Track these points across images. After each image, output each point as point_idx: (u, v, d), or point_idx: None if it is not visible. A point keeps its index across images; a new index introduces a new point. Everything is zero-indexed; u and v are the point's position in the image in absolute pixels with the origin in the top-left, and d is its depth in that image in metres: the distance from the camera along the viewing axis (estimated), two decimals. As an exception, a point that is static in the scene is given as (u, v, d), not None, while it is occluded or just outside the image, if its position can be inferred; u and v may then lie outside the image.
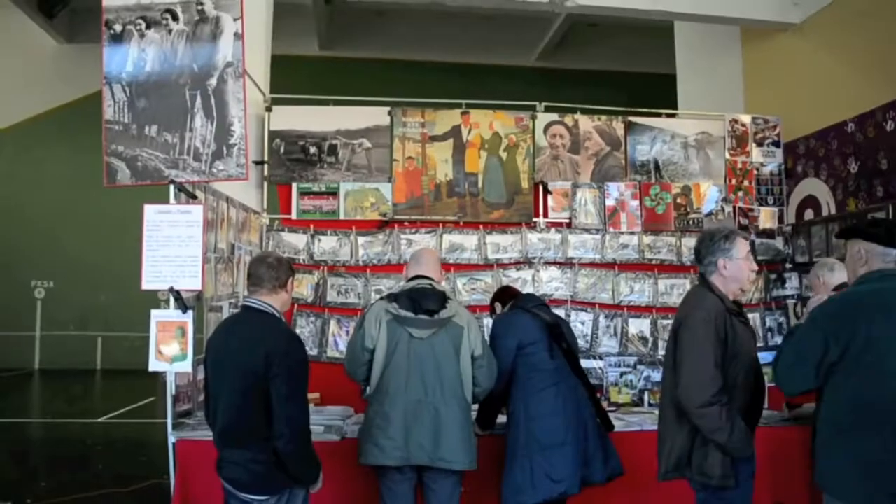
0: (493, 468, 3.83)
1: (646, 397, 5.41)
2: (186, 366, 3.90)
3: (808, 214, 6.63)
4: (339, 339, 5.68)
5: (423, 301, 3.57)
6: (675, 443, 3.09)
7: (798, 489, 4.22)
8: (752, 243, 6.03)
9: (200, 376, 4.35)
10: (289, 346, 3.01)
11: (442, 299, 3.62)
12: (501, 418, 3.98)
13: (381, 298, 3.71)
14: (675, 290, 6.01)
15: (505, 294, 4.22)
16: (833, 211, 6.28)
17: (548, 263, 5.90)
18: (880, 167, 5.82)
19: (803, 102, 6.83)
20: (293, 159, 5.77)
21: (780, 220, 6.29)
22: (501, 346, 3.75)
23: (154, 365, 3.87)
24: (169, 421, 3.93)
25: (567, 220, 5.98)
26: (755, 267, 3.24)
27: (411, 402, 3.46)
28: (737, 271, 3.15)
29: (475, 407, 3.83)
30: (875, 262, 2.84)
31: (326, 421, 4.11)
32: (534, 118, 6.01)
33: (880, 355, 2.58)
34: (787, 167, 6.44)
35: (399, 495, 3.53)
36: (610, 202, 6.00)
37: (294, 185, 5.77)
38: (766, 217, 6.18)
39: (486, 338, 3.84)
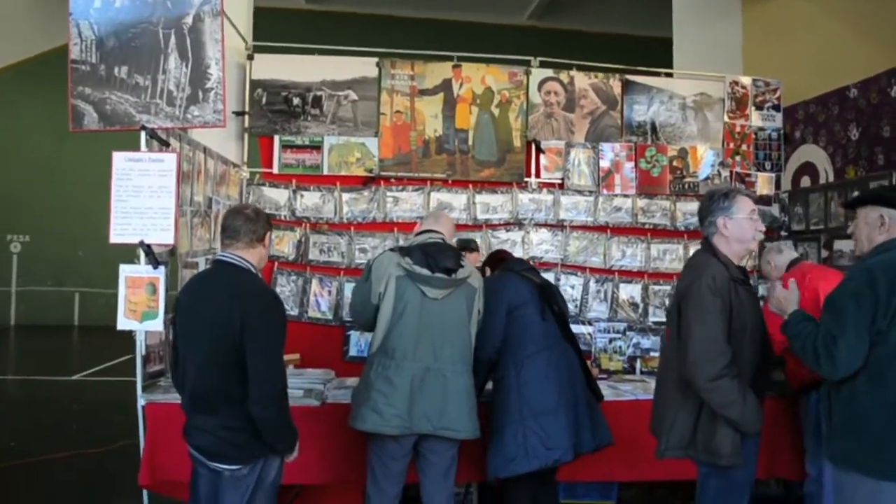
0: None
1: (637, 365, 5.28)
2: (157, 324, 3.68)
3: (805, 182, 6.46)
4: (320, 300, 5.50)
5: (440, 258, 3.28)
6: (678, 419, 2.91)
7: (784, 461, 4.10)
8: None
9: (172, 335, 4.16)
10: (266, 304, 2.79)
11: (458, 256, 3.37)
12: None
13: (391, 250, 3.41)
14: (668, 255, 5.86)
15: (496, 258, 4.03)
16: (831, 179, 6.12)
17: (538, 225, 5.72)
18: (882, 134, 5.65)
19: (804, 66, 6.62)
20: (275, 111, 5.51)
21: (777, 186, 6.13)
22: (491, 309, 3.54)
23: (123, 323, 3.65)
24: (139, 382, 3.73)
25: (559, 181, 5.78)
26: (762, 227, 3.03)
27: (419, 370, 3.23)
28: (738, 230, 2.95)
29: None
30: (895, 229, 2.71)
31: (306, 384, 3.91)
32: (528, 73, 5.77)
33: None
34: (784, 133, 6.25)
35: (393, 471, 3.32)
36: (604, 163, 5.80)
37: (276, 138, 5.52)
38: (763, 183, 6.02)
39: None
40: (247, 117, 5.46)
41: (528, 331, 3.56)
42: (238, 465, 2.77)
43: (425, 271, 3.26)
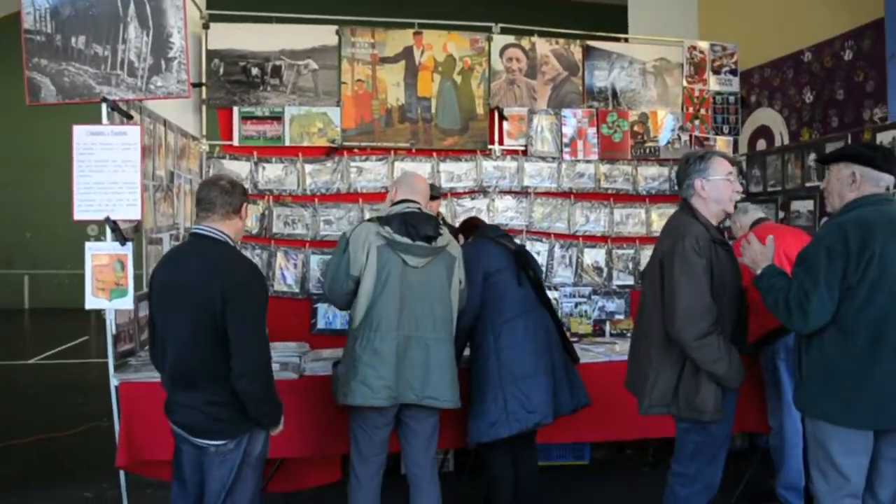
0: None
1: (607, 328, 5.35)
2: (127, 302, 3.60)
3: (761, 145, 6.59)
4: (286, 273, 5.43)
5: (420, 226, 3.24)
6: (661, 376, 2.98)
7: (750, 416, 4.22)
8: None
9: (142, 313, 4.08)
10: (248, 276, 2.75)
11: (437, 225, 3.33)
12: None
13: (369, 220, 3.34)
14: (631, 220, 5.93)
15: (469, 225, 4.03)
16: (786, 141, 6.24)
17: (503, 192, 5.72)
18: (836, 97, 5.77)
19: (759, 31, 6.71)
20: (234, 81, 5.38)
21: (735, 149, 6.22)
22: (469, 277, 3.55)
23: (91, 302, 3.56)
24: (110, 362, 3.65)
25: (523, 148, 5.78)
26: (738, 188, 3.11)
27: (402, 338, 3.20)
28: (715, 191, 3.02)
29: None
30: (867, 187, 2.82)
31: (282, 358, 3.88)
32: (490, 40, 5.72)
33: (894, 278, 2.58)
34: (741, 97, 6.34)
35: (376, 441, 3.31)
36: (567, 129, 5.81)
37: (235, 110, 5.39)
38: (721, 146, 6.08)
39: None
40: (204, 89, 5.32)
41: (505, 297, 3.58)
42: (224, 441, 2.75)
43: (406, 240, 3.21)
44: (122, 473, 3.75)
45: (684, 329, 2.84)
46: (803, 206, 5.68)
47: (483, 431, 3.47)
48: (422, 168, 5.57)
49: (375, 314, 3.20)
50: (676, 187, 5.72)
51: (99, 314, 14.24)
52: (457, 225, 5.41)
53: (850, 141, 5.31)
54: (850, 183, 2.82)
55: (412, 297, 3.23)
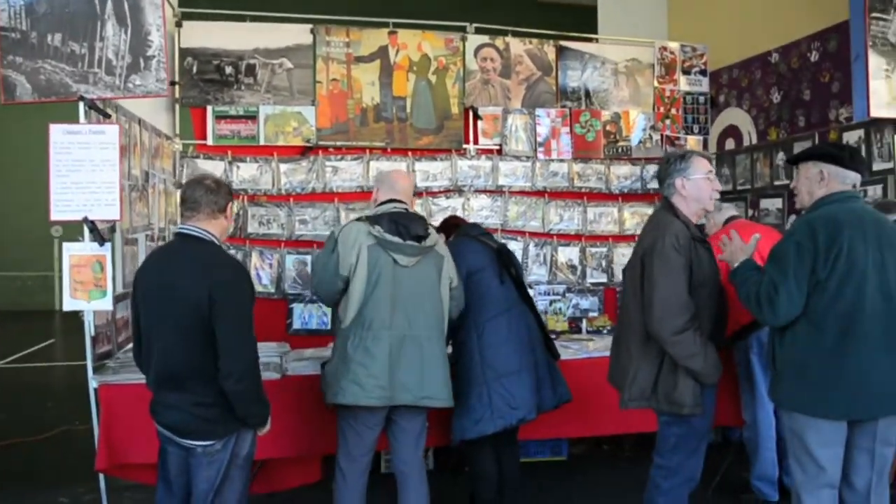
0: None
1: (583, 325, 5.41)
2: (106, 303, 3.56)
3: (730, 144, 6.72)
4: (261, 273, 5.40)
5: (410, 226, 3.26)
6: (640, 371, 3.04)
7: (726, 410, 4.30)
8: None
9: (119, 314, 4.04)
10: (235, 276, 2.75)
11: (425, 224, 3.36)
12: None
13: (358, 220, 3.33)
14: (604, 218, 6.00)
15: (450, 224, 4.05)
16: (754, 141, 6.37)
17: (478, 191, 5.75)
18: (803, 98, 5.91)
19: (727, 32, 6.83)
20: (207, 80, 5.34)
21: (705, 148, 6.32)
22: None
23: (70, 304, 3.52)
24: (89, 364, 3.60)
25: (497, 147, 5.82)
26: (718, 186, 3.18)
27: (396, 338, 3.20)
28: (696, 190, 3.09)
29: None
30: (834, 184, 2.89)
31: (263, 358, 3.82)
32: (464, 40, 5.75)
33: (861, 273, 2.64)
34: (711, 97, 6.45)
35: (365, 440, 3.32)
36: (541, 129, 5.87)
37: (209, 109, 5.34)
38: (692, 145, 6.18)
39: None
40: (177, 87, 5.27)
41: (487, 295, 3.61)
42: (211, 441, 2.74)
43: (397, 239, 3.22)
44: (101, 477, 3.69)
45: (662, 324, 2.90)
46: (772, 204, 5.80)
47: (468, 428, 3.50)
48: (397, 167, 5.56)
49: (367, 313, 3.20)
50: (649, 186, 5.93)
51: (64, 316, 14.03)
52: (434, 224, 5.47)
53: (816, 140, 5.43)
54: (818, 181, 2.91)
55: (404, 296, 3.23)
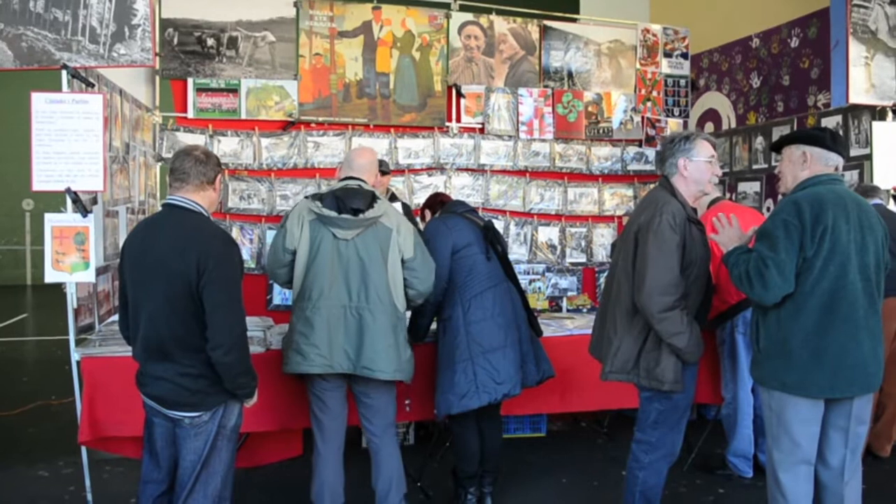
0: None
1: (564, 304, 5.46)
2: (89, 276, 3.52)
3: (709, 127, 6.79)
4: (242, 248, 5.35)
5: (349, 200, 3.30)
6: (623, 344, 3.10)
7: (704, 388, 4.38)
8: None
9: (100, 287, 4.01)
10: (224, 247, 2.72)
11: (370, 199, 3.34)
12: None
13: (307, 197, 3.41)
14: (584, 198, 6.04)
15: (435, 200, 4.06)
16: (733, 124, 6.45)
17: (460, 170, 5.77)
18: (782, 83, 5.98)
19: (708, 15, 6.89)
20: (188, 52, 5.27)
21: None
22: (436, 250, 3.57)
23: (52, 276, 3.47)
24: (71, 337, 3.57)
25: (480, 126, 5.82)
26: (718, 171, 3.22)
27: (335, 308, 3.25)
28: (698, 172, 3.13)
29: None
30: (816, 166, 2.93)
31: (248, 332, 3.84)
32: (448, 17, 5.73)
33: (844, 253, 2.70)
34: (691, 80, 6.50)
35: (329, 406, 3.38)
36: (523, 108, 5.88)
37: (190, 81, 5.28)
38: (672, 128, 6.24)
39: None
40: (157, 59, 5.18)
41: (473, 271, 3.63)
42: (198, 412, 2.73)
43: (332, 213, 3.27)
44: (83, 449, 3.67)
45: (651, 300, 2.94)
46: (750, 187, 5.88)
47: (454, 403, 3.53)
48: (379, 144, 5.56)
49: (308, 285, 3.29)
50: (629, 168, 5.97)
51: (36, 290, 13.82)
52: (415, 201, 5.47)
53: (795, 125, 5.51)
54: (801, 163, 2.96)
55: (344, 269, 3.28)
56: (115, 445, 3.69)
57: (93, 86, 3.58)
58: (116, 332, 3.03)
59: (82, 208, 3.45)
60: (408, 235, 3.41)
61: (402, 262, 3.37)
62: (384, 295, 3.33)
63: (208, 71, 5.30)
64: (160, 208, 2.90)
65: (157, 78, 5.25)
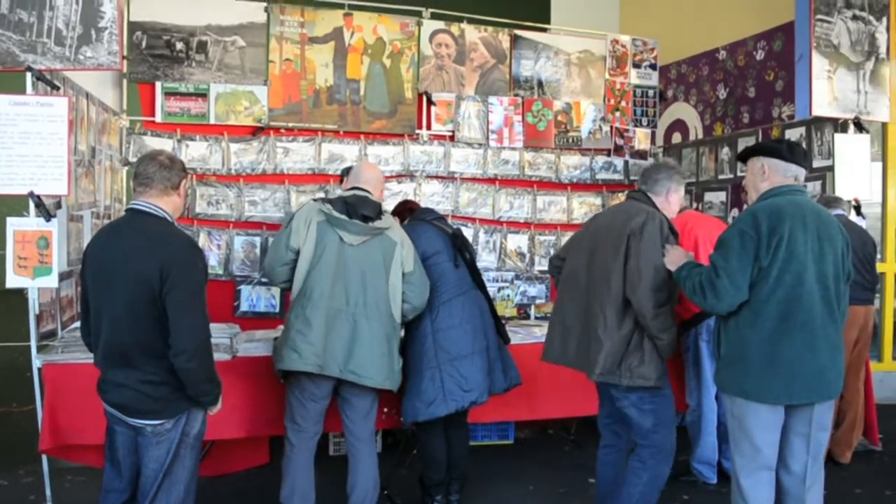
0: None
1: (532, 311, 5.48)
2: (52, 281, 3.47)
3: (676, 138, 6.88)
4: (209, 254, 5.32)
5: (359, 206, 3.37)
6: (613, 345, 3.17)
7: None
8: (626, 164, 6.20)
9: (63, 293, 3.95)
10: (188, 252, 2.70)
11: (378, 210, 3.44)
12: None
13: (315, 200, 3.48)
14: (553, 207, 6.08)
15: (404, 208, 4.07)
16: (700, 135, 6.53)
17: (430, 177, 5.77)
18: (748, 94, 6.08)
19: (677, 27, 6.98)
20: (157, 55, 5.21)
21: (652, 141, 6.45)
22: None
23: (13, 280, 3.42)
24: (33, 344, 3.52)
25: (450, 134, 5.84)
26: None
27: (332, 310, 3.28)
28: (675, 203, 3.47)
29: None
30: (776, 177, 3.00)
31: (214, 339, 3.78)
32: (419, 25, 5.74)
33: (800, 262, 2.75)
34: (659, 91, 6.57)
35: (311, 413, 3.37)
36: (493, 117, 5.91)
37: (158, 85, 5.22)
38: (641, 138, 6.30)
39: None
40: (125, 62, 5.13)
41: (442, 278, 3.64)
42: (161, 420, 2.70)
43: (343, 217, 3.33)
44: (44, 458, 3.61)
45: (649, 296, 3.10)
46: (716, 197, 5.96)
47: (421, 410, 3.53)
48: (349, 150, 5.56)
49: (309, 285, 3.30)
50: (598, 177, 6.02)
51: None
52: (385, 208, 5.46)
53: (760, 137, 5.60)
54: (761, 175, 3.04)
55: (346, 273, 3.32)
56: (76, 454, 3.64)
57: (58, 88, 3.54)
58: (79, 338, 2.99)
59: (45, 212, 3.41)
60: (410, 250, 3.51)
61: (403, 275, 3.44)
62: (382, 304, 3.38)
63: (177, 75, 5.25)
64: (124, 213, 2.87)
65: (125, 81, 5.20)
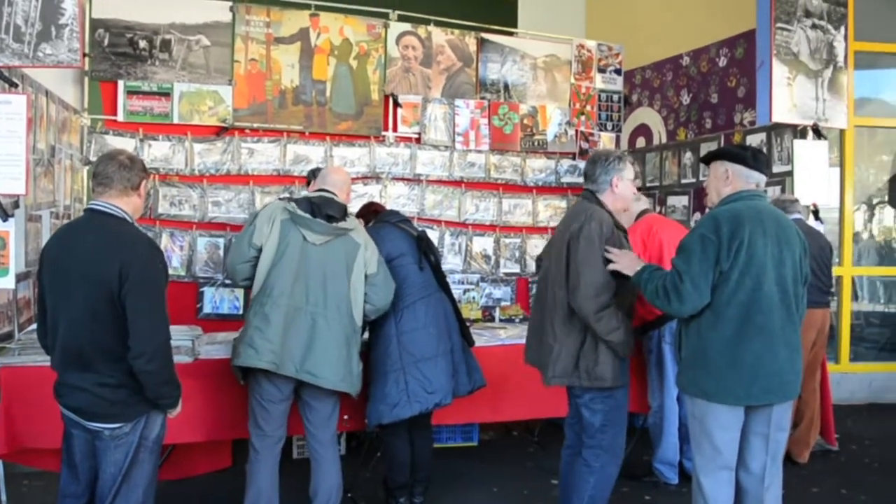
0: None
1: (496, 313, 5.50)
2: (9, 282, 3.40)
3: (640, 142, 6.96)
4: (171, 255, 5.25)
5: (324, 206, 3.38)
6: (563, 349, 3.18)
7: (632, 397, 4.46)
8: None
9: (21, 294, 3.87)
10: (148, 253, 2.67)
11: (343, 211, 3.43)
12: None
13: (281, 198, 3.47)
14: (518, 209, 6.11)
15: (368, 210, 4.07)
16: (664, 140, 6.61)
17: (396, 179, 5.76)
18: (710, 100, 6.17)
19: (642, 33, 7.06)
20: (119, 53, 5.14)
21: (617, 145, 6.51)
22: None
23: (-32, 281, 3.34)
24: (-11, 345, 3.44)
25: (416, 136, 5.84)
26: (636, 190, 3.49)
27: (292, 308, 3.27)
28: (625, 191, 3.33)
29: None
30: (738, 183, 3.05)
31: (175, 342, 3.73)
32: (386, 27, 5.74)
33: (760, 265, 2.79)
34: (624, 95, 6.64)
35: (273, 416, 3.34)
36: (460, 119, 5.92)
37: (120, 83, 5.14)
38: (605, 142, 6.36)
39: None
40: (87, 59, 5.05)
41: (406, 281, 3.65)
42: (119, 424, 2.66)
43: (307, 215, 3.33)
44: (0, 462, 3.53)
45: (588, 301, 3.08)
46: (679, 201, 6.04)
47: (385, 413, 3.53)
48: (315, 152, 5.53)
49: (270, 282, 3.29)
50: (563, 180, 6.07)
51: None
52: (350, 210, 5.44)
53: (722, 142, 5.69)
54: (724, 179, 3.08)
55: (307, 272, 3.31)
56: (33, 458, 3.56)
57: (16, 86, 3.47)
58: (36, 340, 2.94)
59: (2, 212, 3.34)
60: (374, 253, 3.50)
61: (365, 276, 3.43)
62: (343, 305, 3.37)
63: (140, 73, 5.19)
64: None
65: (87, 79, 5.11)
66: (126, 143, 5.11)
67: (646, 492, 4.29)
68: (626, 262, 3.15)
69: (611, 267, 3.15)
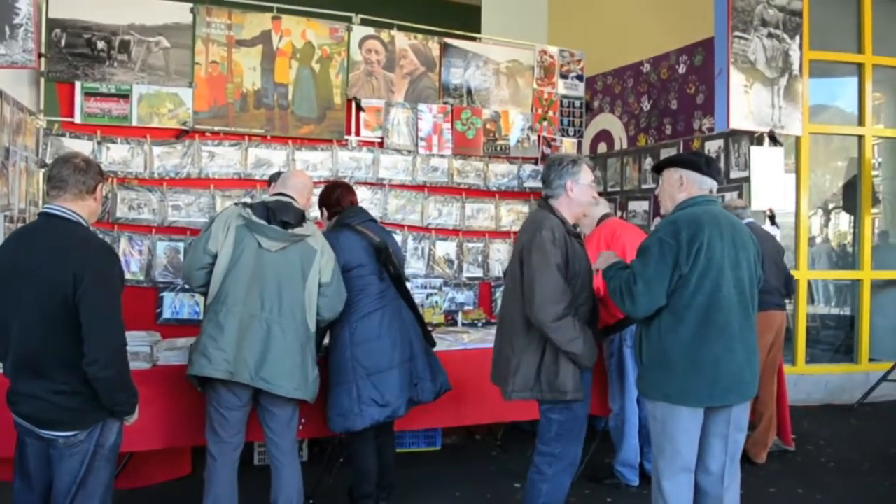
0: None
1: (459, 318, 5.51)
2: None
3: (602, 148, 7.02)
4: (130, 259, 5.18)
5: (280, 212, 3.32)
6: (522, 362, 3.16)
7: (594, 400, 4.50)
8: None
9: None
10: (103, 257, 2.62)
11: (300, 217, 3.38)
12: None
13: (236, 204, 3.40)
14: (481, 214, 6.14)
15: (331, 197, 3.89)
16: (625, 145, 6.69)
17: (358, 183, 5.73)
18: (670, 107, 6.26)
19: (603, 40, 7.13)
20: (77, 54, 5.05)
21: (579, 151, 6.57)
22: None
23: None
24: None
25: (379, 140, 5.83)
26: (596, 194, 3.38)
27: (246, 315, 3.22)
28: (581, 194, 3.28)
29: None
30: (693, 188, 3.10)
31: (132, 347, 3.67)
32: (349, 30, 5.73)
33: (718, 268, 2.84)
34: (586, 101, 6.70)
35: (231, 423, 3.29)
36: (422, 124, 5.93)
37: (78, 84, 5.06)
38: (567, 147, 6.41)
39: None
40: (43, 60, 4.95)
41: (364, 292, 3.61)
42: (73, 432, 2.60)
43: (262, 222, 3.28)
44: (-50, 473, 3.44)
45: (543, 311, 3.04)
46: (639, 206, 6.12)
47: (336, 423, 3.53)
48: (277, 155, 5.50)
49: (224, 289, 3.25)
50: (526, 185, 6.11)
51: None
52: (312, 214, 5.39)
53: (681, 148, 5.78)
54: (678, 185, 3.13)
55: (262, 279, 3.26)
56: (-15, 468, 3.47)
57: (-33, 86, 3.39)
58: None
59: (-47, 215, 3.26)
60: (330, 260, 3.44)
61: (319, 285, 3.38)
62: (297, 312, 3.32)
63: (98, 75, 5.10)
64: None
65: (43, 80, 5.01)
66: (83, 146, 5.02)
67: (607, 494, 4.33)
68: (602, 261, 3.19)
69: (594, 265, 3.21)
